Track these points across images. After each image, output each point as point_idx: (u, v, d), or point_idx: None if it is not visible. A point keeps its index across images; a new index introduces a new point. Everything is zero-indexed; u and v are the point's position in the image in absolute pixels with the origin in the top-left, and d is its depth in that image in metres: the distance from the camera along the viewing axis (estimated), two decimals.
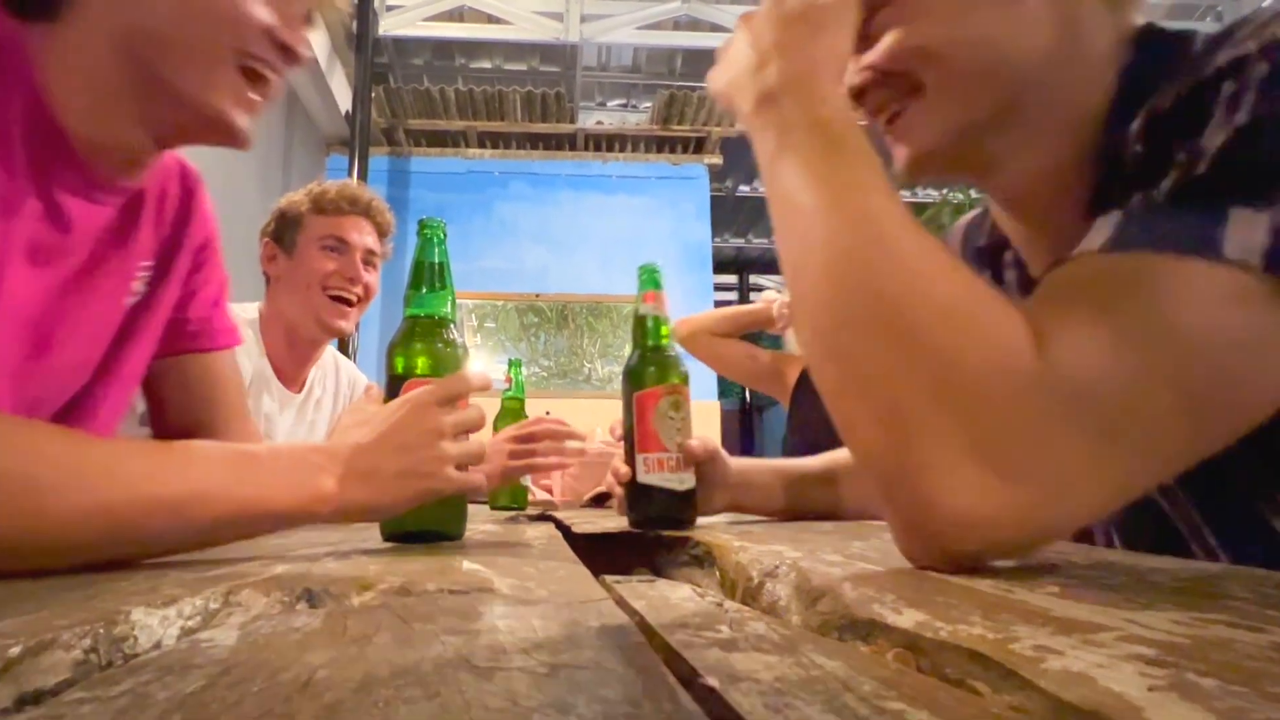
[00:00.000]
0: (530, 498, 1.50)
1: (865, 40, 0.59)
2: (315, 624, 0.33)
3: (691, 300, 4.76)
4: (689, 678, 0.25)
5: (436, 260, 0.76)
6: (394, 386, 0.72)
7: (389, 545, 0.67)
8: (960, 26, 0.56)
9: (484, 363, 5.00)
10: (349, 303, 1.58)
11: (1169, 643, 0.26)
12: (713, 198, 5.62)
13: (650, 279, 0.95)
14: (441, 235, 0.77)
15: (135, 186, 0.77)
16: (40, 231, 0.67)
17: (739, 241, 7.77)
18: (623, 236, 5.30)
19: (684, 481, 0.87)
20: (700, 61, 5.52)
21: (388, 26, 4.95)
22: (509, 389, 1.52)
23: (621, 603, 0.39)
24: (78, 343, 0.76)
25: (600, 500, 1.44)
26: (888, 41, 0.58)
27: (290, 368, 1.61)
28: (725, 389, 5.48)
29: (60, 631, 0.28)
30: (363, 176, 4.73)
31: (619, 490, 0.92)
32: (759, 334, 2.21)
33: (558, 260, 5.28)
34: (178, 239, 0.86)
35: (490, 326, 5.18)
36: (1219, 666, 0.23)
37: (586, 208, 5.40)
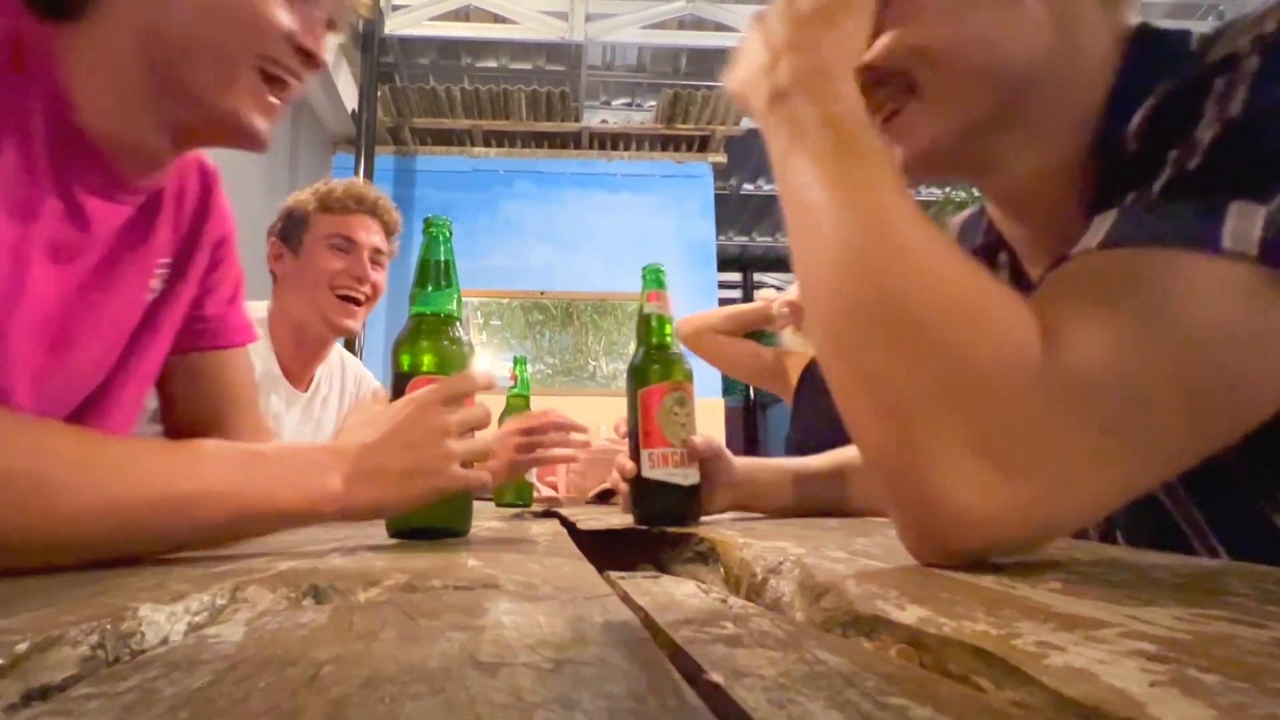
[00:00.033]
0: (535, 494, 1.50)
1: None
2: (321, 620, 0.33)
3: (696, 298, 4.76)
4: (693, 673, 0.25)
5: (442, 258, 0.76)
6: (400, 384, 0.72)
7: (395, 542, 0.67)
8: (958, 26, 0.56)
9: (489, 360, 5.00)
10: (356, 302, 1.58)
11: (1170, 639, 0.26)
12: (717, 196, 5.61)
13: (654, 279, 0.95)
14: (447, 233, 0.77)
15: (154, 186, 0.77)
16: (61, 230, 0.68)
17: (743, 239, 7.77)
18: (627, 235, 5.29)
19: (688, 477, 0.88)
20: (705, 61, 5.53)
21: (394, 26, 4.95)
22: (514, 386, 1.53)
23: (626, 599, 0.39)
24: (97, 340, 0.76)
25: (605, 497, 1.44)
26: (885, 41, 0.58)
27: (297, 366, 1.62)
28: (729, 387, 5.48)
29: (67, 627, 0.28)
30: (369, 175, 4.73)
31: (624, 486, 0.93)
32: (761, 332, 2.21)
33: (563, 258, 5.28)
34: (195, 236, 0.87)
35: (496, 324, 5.19)
36: (1220, 662, 0.23)
37: (591, 206, 5.40)
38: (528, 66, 5.64)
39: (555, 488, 1.78)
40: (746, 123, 5.31)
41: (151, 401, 0.91)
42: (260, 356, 1.50)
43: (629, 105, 6.07)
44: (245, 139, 0.71)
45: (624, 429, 0.95)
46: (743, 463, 0.96)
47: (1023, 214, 0.66)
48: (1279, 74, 0.43)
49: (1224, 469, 0.47)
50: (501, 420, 1.45)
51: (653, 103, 5.63)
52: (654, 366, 0.91)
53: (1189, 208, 0.43)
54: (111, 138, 0.68)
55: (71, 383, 0.75)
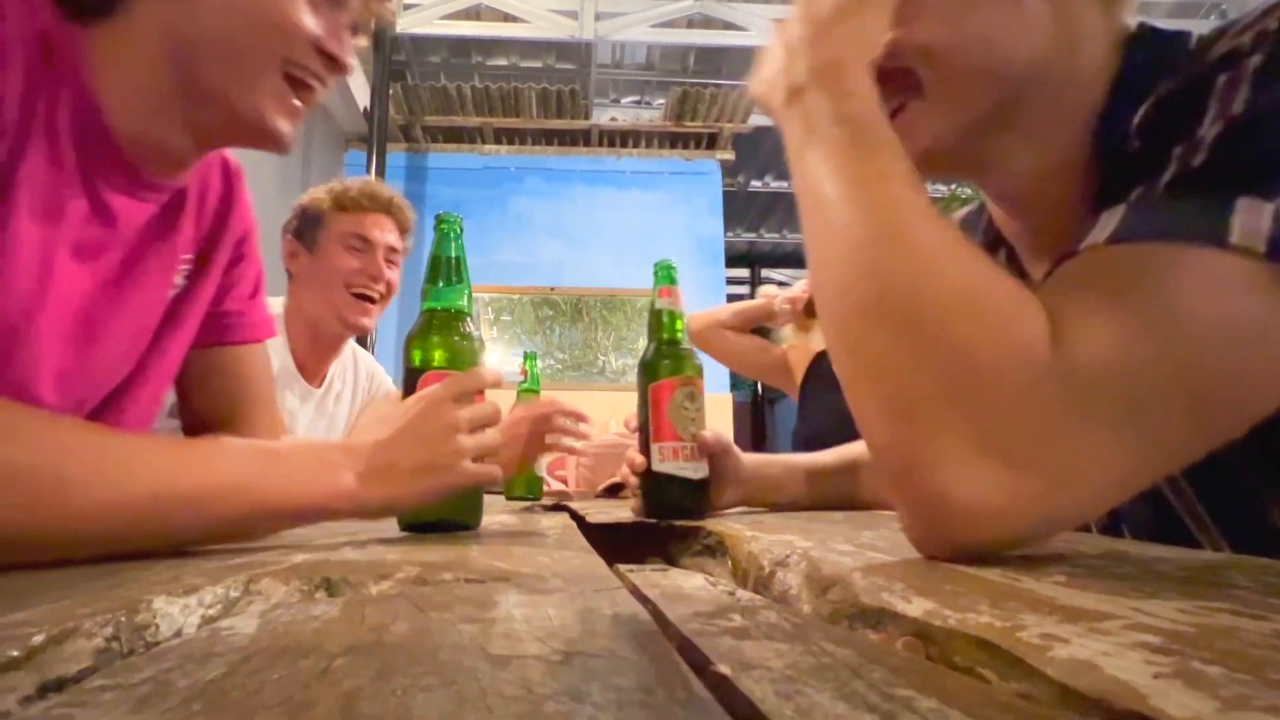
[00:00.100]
0: (545, 488, 1.50)
1: None
2: (334, 612, 0.33)
3: (704, 294, 4.77)
4: (701, 665, 0.25)
5: (453, 254, 0.76)
6: (411, 379, 0.72)
7: (406, 535, 0.67)
8: (961, 25, 0.56)
9: (500, 355, 5.02)
10: (371, 300, 1.59)
11: (1174, 631, 0.26)
12: (725, 193, 5.62)
13: (666, 274, 0.96)
14: (458, 230, 0.77)
15: (179, 184, 0.78)
16: (87, 228, 0.68)
17: (751, 236, 7.77)
18: (636, 231, 5.30)
19: (698, 471, 0.88)
20: (713, 59, 5.54)
21: (405, 25, 4.96)
22: (524, 381, 1.53)
23: (635, 592, 0.39)
24: (121, 337, 0.77)
25: (614, 491, 1.44)
26: (888, 39, 0.58)
27: (312, 363, 1.62)
28: (737, 382, 5.47)
29: (83, 620, 0.29)
30: (380, 172, 4.75)
31: (633, 480, 0.93)
32: (766, 328, 2.20)
33: (572, 254, 5.29)
34: (218, 232, 0.87)
35: (506, 319, 5.20)
36: (1223, 654, 0.23)
37: (601, 203, 5.41)
38: (538, 65, 5.65)
39: (565, 481, 1.78)
40: (754, 120, 5.31)
41: (170, 396, 0.92)
42: (275, 353, 1.51)
43: (638, 103, 6.07)
44: (268, 140, 0.72)
45: (634, 423, 0.96)
46: (751, 458, 0.97)
47: (1023, 212, 0.66)
48: None
49: (1226, 463, 0.47)
50: (511, 413, 1.45)
51: (661, 100, 5.63)
52: (665, 361, 0.91)
53: (1195, 203, 0.43)
54: (137, 137, 0.69)
55: (95, 379, 0.76)
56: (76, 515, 0.47)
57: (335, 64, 0.73)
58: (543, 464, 1.43)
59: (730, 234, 6.69)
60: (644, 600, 0.37)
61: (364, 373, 1.78)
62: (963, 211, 0.83)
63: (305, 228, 1.61)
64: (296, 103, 0.72)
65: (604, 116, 5.72)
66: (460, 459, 0.65)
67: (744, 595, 0.40)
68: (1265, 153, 0.42)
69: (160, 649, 0.28)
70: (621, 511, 0.98)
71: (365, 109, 4.95)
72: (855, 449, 1.01)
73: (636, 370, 0.94)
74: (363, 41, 0.80)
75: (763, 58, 0.60)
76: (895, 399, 0.45)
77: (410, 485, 0.63)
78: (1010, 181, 0.63)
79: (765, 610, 0.35)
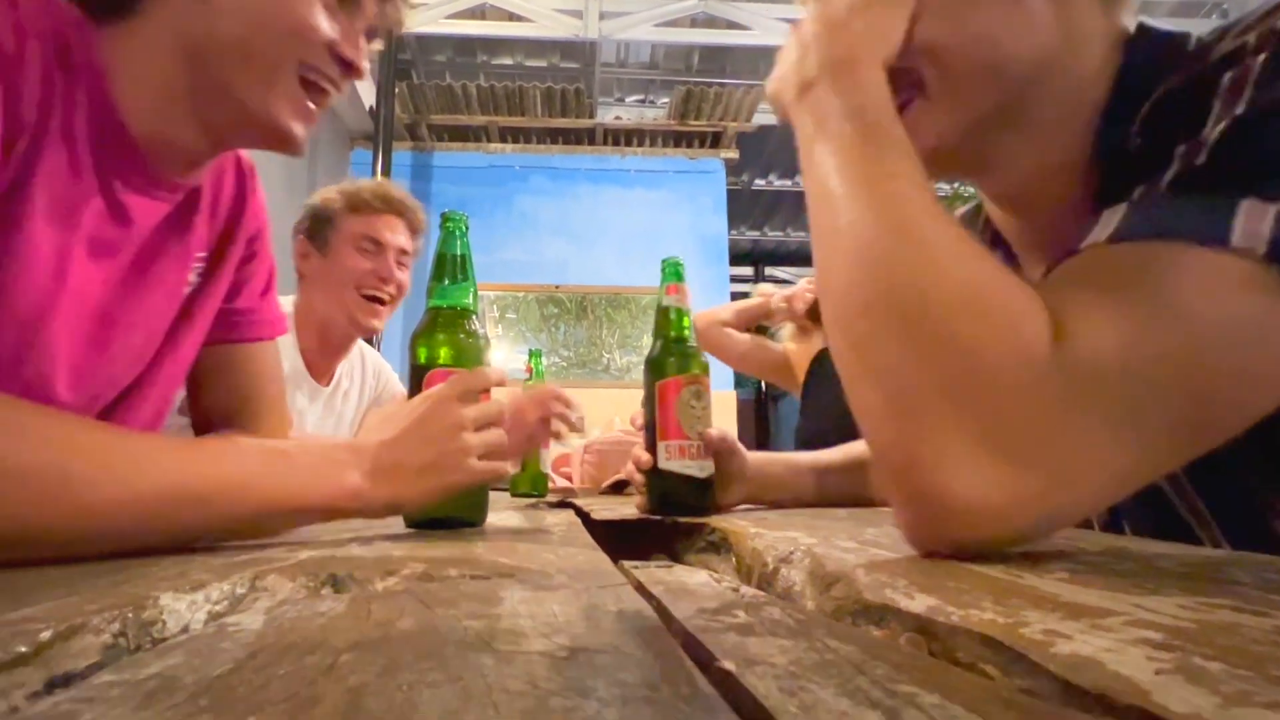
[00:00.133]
0: (550, 485, 1.51)
1: None
2: (340, 608, 0.33)
3: (709, 292, 4.77)
4: (706, 661, 0.25)
5: (459, 252, 0.76)
6: (417, 376, 0.73)
7: (412, 532, 0.67)
8: (965, 24, 0.56)
9: (505, 353, 5.03)
10: (381, 301, 1.59)
11: (1175, 627, 0.26)
12: (729, 191, 5.63)
13: (673, 272, 0.96)
14: (464, 228, 0.78)
15: (193, 183, 0.78)
16: (102, 227, 0.69)
17: (755, 234, 7.77)
18: (641, 229, 5.30)
19: (704, 469, 0.89)
20: (717, 58, 5.55)
21: (411, 23, 4.96)
22: (529, 378, 1.53)
23: (640, 588, 0.39)
24: (136, 334, 0.77)
25: (619, 487, 1.44)
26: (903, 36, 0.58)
27: (321, 362, 1.63)
28: (741, 379, 5.47)
29: (90, 616, 0.29)
30: (386, 171, 4.77)
31: (639, 477, 0.93)
32: (764, 327, 2.20)
33: (577, 252, 5.30)
34: (231, 230, 0.87)
35: (511, 317, 5.21)
36: (1224, 650, 0.23)
37: (605, 201, 5.41)
38: (543, 64, 5.65)
39: (570, 478, 1.78)
40: (758, 119, 5.31)
41: (180, 392, 0.92)
42: (284, 352, 1.51)
43: (642, 102, 6.08)
44: (281, 142, 0.73)
45: (640, 421, 0.96)
46: (755, 456, 0.97)
47: (1023, 212, 0.66)
48: None
49: (1227, 462, 0.47)
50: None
51: (666, 99, 5.63)
52: (671, 359, 0.91)
53: (1198, 203, 0.43)
54: (152, 137, 0.69)
55: (110, 376, 0.76)
56: (84, 513, 0.47)
57: (350, 69, 0.73)
58: (548, 461, 1.43)
59: (734, 232, 6.70)
60: (648, 596, 0.37)
61: (371, 371, 1.79)
62: (959, 211, 0.83)
63: (317, 228, 1.61)
64: (311, 106, 0.73)
65: (608, 115, 5.73)
66: (466, 457, 0.65)
67: (748, 592, 0.40)
68: (1268, 153, 0.42)
69: (167, 645, 0.28)
70: (626, 508, 0.98)
71: (371, 108, 4.96)
72: (859, 447, 1.01)
73: (643, 367, 0.94)
74: (377, 45, 0.80)
75: (778, 57, 0.60)
76: (897, 396, 0.45)
77: (417, 484, 0.63)
78: (1011, 181, 0.63)
79: (769, 607, 0.35)
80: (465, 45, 5.50)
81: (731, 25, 5.05)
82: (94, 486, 0.48)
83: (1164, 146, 0.46)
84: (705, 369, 0.92)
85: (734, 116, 5.33)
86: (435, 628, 0.29)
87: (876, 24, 0.55)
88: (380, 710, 0.20)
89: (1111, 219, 0.46)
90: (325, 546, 0.53)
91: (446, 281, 0.75)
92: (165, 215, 0.76)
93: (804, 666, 0.24)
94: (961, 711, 0.20)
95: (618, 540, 0.79)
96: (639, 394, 0.95)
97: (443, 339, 0.74)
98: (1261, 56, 0.43)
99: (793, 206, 7.03)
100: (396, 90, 4.93)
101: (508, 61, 5.67)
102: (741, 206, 6.96)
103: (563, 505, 1.15)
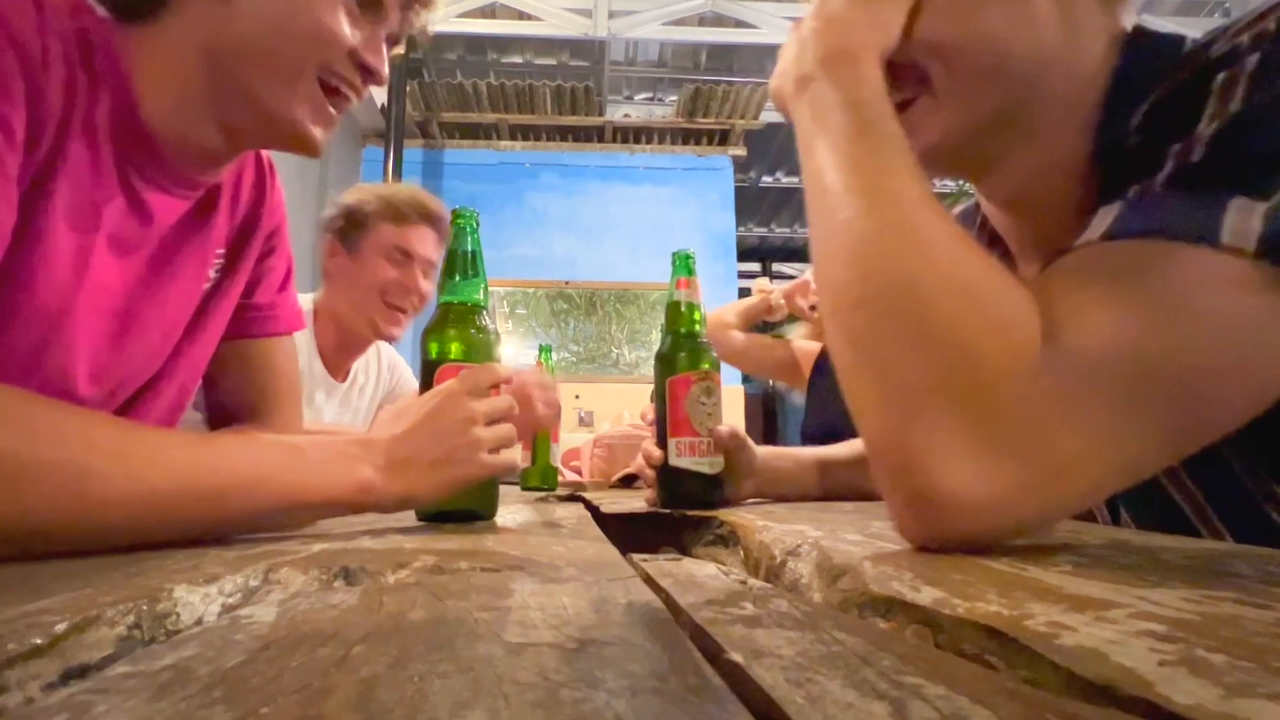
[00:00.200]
0: (560, 479, 1.51)
1: None
2: (352, 601, 0.34)
3: (717, 288, 4.77)
4: (714, 653, 0.25)
5: (469, 249, 0.77)
6: (428, 371, 0.73)
7: (423, 525, 0.68)
8: (970, 22, 0.56)
9: (515, 348, 5.04)
10: (404, 311, 1.59)
11: (1179, 619, 0.26)
12: (737, 188, 5.62)
13: (684, 265, 0.95)
14: (474, 225, 0.78)
15: (213, 180, 0.79)
16: (123, 224, 0.70)
17: (762, 230, 7.76)
18: (649, 226, 5.31)
19: (714, 465, 0.89)
20: (725, 56, 5.54)
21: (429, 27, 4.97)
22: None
23: (649, 581, 0.39)
24: (155, 330, 0.78)
25: (629, 481, 1.44)
26: (901, 30, 0.58)
27: (338, 359, 1.63)
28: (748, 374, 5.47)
29: (105, 608, 0.29)
30: (398, 168, 4.79)
31: (650, 472, 0.93)
32: (767, 324, 2.19)
33: (586, 249, 5.30)
34: (251, 226, 0.88)
35: (521, 313, 5.22)
36: (1227, 642, 0.23)
37: (614, 198, 5.41)
38: (552, 62, 5.65)
39: (579, 472, 1.79)
40: (765, 117, 5.31)
41: (197, 387, 0.92)
42: (301, 347, 1.51)
43: (651, 100, 6.07)
44: (300, 145, 0.73)
45: (650, 416, 0.96)
46: (762, 451, 0.97)
47: (1020, 213, 0.66)
48: (1278, 70, 0.43)
49: (1226, 457, 0.48)
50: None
51: (674, 97, 5.62)
52: (681, 355, 0.91)
53: (1190, 201, 0.43)
54: (173, 137, 0.70)
55: (129, 371, 0.77)
56: (100, 507, 0.48)
57: (371, 74, 0.74)
58: (558, 455, 1.43)
59: (742, 229, 6.70)
60: (657, 589, 0.37)
61: (386, 364, 1.79)
62: (957, 209, 0.83)
63: (349, 229, 1.60)
64: (330, 110, 0.73)
65: (617, 113, 5.72)
66: (477, 451, 0.66)
67: (756, 584, 0.41)
68: (1259, 152, 0.42)
69: (181, 637, 0.28)
70: (635, 502, 0.98)
71: (383, 105, 4.97)
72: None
73: (654, 361, 0.95)
74: (398, 50, 0.80)
75: (780, 54, 0.60)
76: (890, 390, 0.46)
77: (429, 478, 0.64)
78: (1010, 180, 0.63)
79: (776, 599, 0.35)
80: (476, 44, 5.50)
81: (739, 24, 5.05)
82: (109, 481, 0.48)
83: (1161, 146, 0.46)
84: (715, 365, 0.92)
85: (741, 114, 5.32)
86: (446, 619, 0.29)
87: (873, 17, 0.55)
88: (392, 701, 0.20)
89: (1106, 217, 0.46)
90: (337, 539, 0.53)
91: (458, 277, 0.76)
92: (185, 212, 0.77)
93: (811, 658, 0.24)
94: (966, 703, 0.20)
95: (627, 533, 0.80)
96: (648, 388, 0.95)
97: (454, 334, 0.74)
98: (1254, 57, 0.44)
99: (799, 203, 7.00)
100: (408, 88, 4.94)
101: (518, 60, 5.67)
102: (749, 203, 6.95)
103: (572, 499, 1.15)
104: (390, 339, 1.62)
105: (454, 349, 0.73)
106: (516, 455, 0.71)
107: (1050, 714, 0.19)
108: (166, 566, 0.40)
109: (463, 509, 0.71)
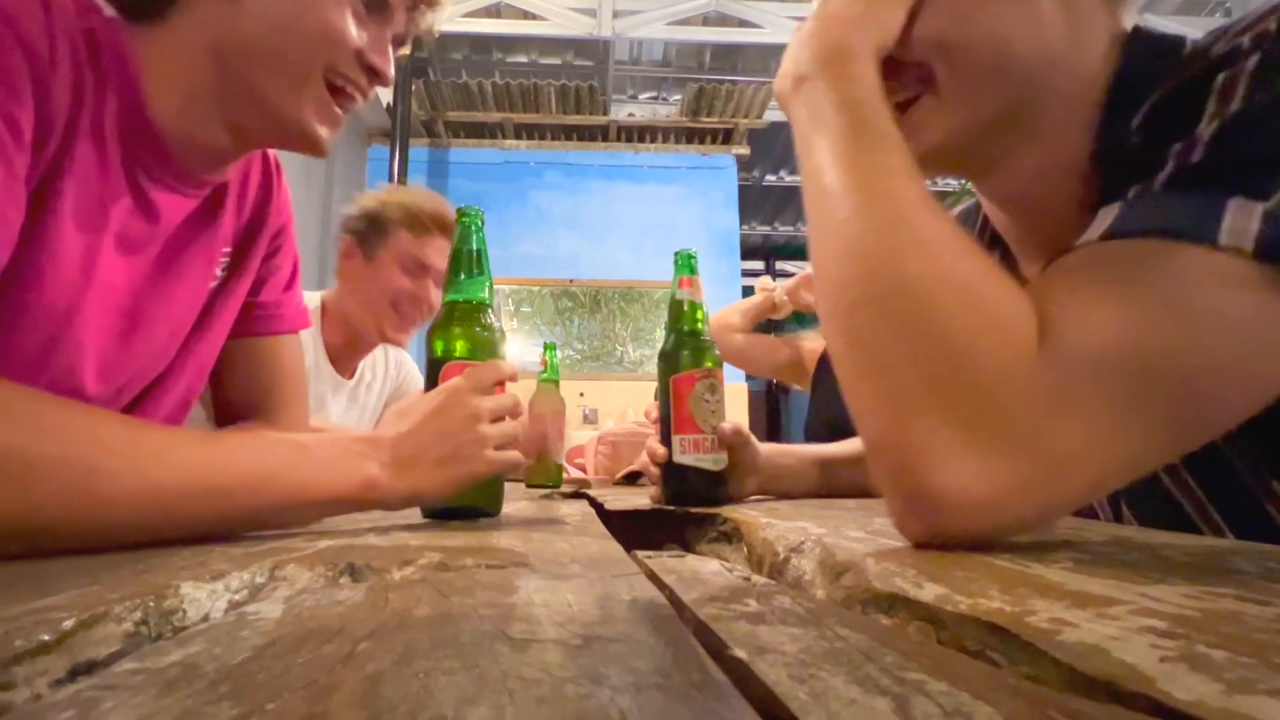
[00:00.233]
0: (565, 476, 1.51)
1: None
2: (358, 597, 0.34)
3: (720, 286, 4.77)
4: (718, 649, 0.25)
5: (475, 247, 0.77)
6: (434, 369, 0.73)
7: (428, 522, 0.68)
8: (975, 21, 0.56)
9: (520, 346, 5.05)
10: (414, 320, 1.60)
11: (1180, 616, 0.26)
12: (740, 187, 5.62)
13: (686, 264, 0.95)
14: (479, 223, 0.78)
15: (220, 179, 0.79)
16: (131, 222, 0.70)
17: (765, 229, 7.76)
18: (653, 224, 5.31)
19: (718, 462, 0.89)
20: (729, 56, 5.54)
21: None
22: (544, 371, 1.53)
23: (653, 577, 0.40)
24: (162, 328, 0.78)
25: (633, 478, 1.45)
26: (900, 28, 0.58)
27: (345, 357, 1.63)
28: None
29: (112, 605, 0.29)
30: (403, 167, 4.79)
31: (654, 469, 0.93)
32: (771, 322, 2.18)
33: (591, 247, 5.30)
34: (257, 225, 0.88)
35: (526, 311, 5.22)
36: (1228, 638, 0.23)
37: (618, 196, 5.41)
38: (557, 61, 5.65)
39: (584, 469, 1.79)
40: (769, 116, 5.30)
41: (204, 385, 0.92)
42: (308, 344, 1.51)
43: (655, 99, 6.07)
44: (307, 145, 0.74)
45: (654, 414, 0.96)
46: (767, 448, 0.97)
47: (1022, 212, 0.66)
48: (1278, 70, 0.43)
49: (1222, 455, 0.48)
50: (531, 404, 1.45)
51: (678, 97, 5.62)
52: (685, 353, 0.91)
53: (1190, 201, 0.43)
54: (180, 135, 0.70)
55: (136, 369, 0.77)
56: (107, 505, 0.48)
57: (378, 76, 0.74)
58: (562, 452, 1.43)
59: (745, 227, 6.69)
60: (661, 585, 0.37)
61: (393, 361, 1.80)
62: (957, 209, 0.83)
63: (368, 233, 1.59)
64: (337, 110, 0.74)
65: (622, 112, 5.72)
66: (482, 448, 0.66)
67: (759, 581, 0.41)
68: (1257, 152, 0.42)
69: (188, 633, 0.28)
70: (640, 499, 0.98)
71: (388, 105, 4.97)
72: None
73: (657, 359, 0.95)
74: (405, 51, 0.81)
75: (784, 55, 0.60)
76: (888, 388, 0.46)
77: (434, 475, 0.64)
78: (1012, 180, 0.63)
79: (780, 595, 0.35)
80: (481, 43, 5.50)
81: (743, 23, 5.04)
82: (117, 479, 0.48)
83: (1162, 147, 0.46)
84: (718, 362, 0.92)
85: (745, 113, 5.31)
86: (451, 616, 0.29)
87: (871, 16, 0.55)
88: (397, 697, 0.20)
89: (1106, 217, 0.46)
90: (343, 536, 0.54)
91: (463, 276, 0.76)
92: (192, 211, 0.77)
93: (814, 654, 0.24)
94: (969, 699, 0.20)
95: (631, 530, 0.80)
96: (652, 385, 0.95)
97: (459, 332, 0.74)
98: (1254, 58, 0.44)
99: (802, 202, 7.01)
100: (413, 87, 4.94)
101: (523, 59, 5.67)
102: (753, 202, 6.95)
103: (577, 496, 1.15)
104: (398, 344, 1.63)
105: (459, 347, 0.74)
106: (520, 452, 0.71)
107: (1052, 710, 0.19)
108: (173, 563, 0.40)
109: (468, 506, 0.71)
